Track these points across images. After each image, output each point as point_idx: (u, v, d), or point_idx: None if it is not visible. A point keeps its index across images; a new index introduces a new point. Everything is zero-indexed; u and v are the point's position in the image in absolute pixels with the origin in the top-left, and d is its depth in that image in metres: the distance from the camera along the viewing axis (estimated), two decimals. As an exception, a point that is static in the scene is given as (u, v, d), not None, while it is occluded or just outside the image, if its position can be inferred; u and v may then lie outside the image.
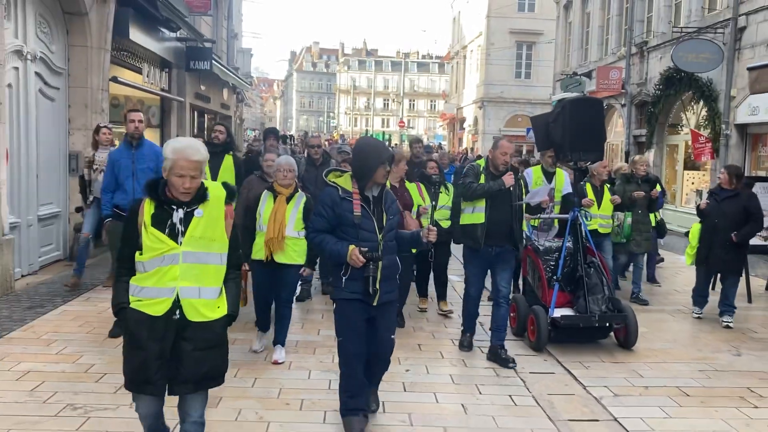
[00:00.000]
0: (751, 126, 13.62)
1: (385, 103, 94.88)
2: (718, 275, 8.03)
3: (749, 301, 8.43)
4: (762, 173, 13.35)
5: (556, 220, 7.34)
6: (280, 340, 5.67)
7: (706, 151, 14.36)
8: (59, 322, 6.39)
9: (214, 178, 7.52)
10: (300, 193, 5.69)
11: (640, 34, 18.63)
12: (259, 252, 5.57)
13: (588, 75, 21.72)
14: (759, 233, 8.67)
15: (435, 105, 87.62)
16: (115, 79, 11.17)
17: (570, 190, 7.56)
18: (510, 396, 4.93)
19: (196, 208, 3.19)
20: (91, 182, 7.65)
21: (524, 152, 31.52)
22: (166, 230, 3.14)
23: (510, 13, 37.65)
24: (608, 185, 8.42)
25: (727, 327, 7.11)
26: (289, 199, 5.58)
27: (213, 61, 16.60)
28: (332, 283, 4.27)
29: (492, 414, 4.57)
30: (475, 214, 5.83)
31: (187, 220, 3.17)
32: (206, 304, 3.20)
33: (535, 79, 37.26)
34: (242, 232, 5.46)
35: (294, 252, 5.55)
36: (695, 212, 8.05)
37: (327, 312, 6.85)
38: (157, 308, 3.14)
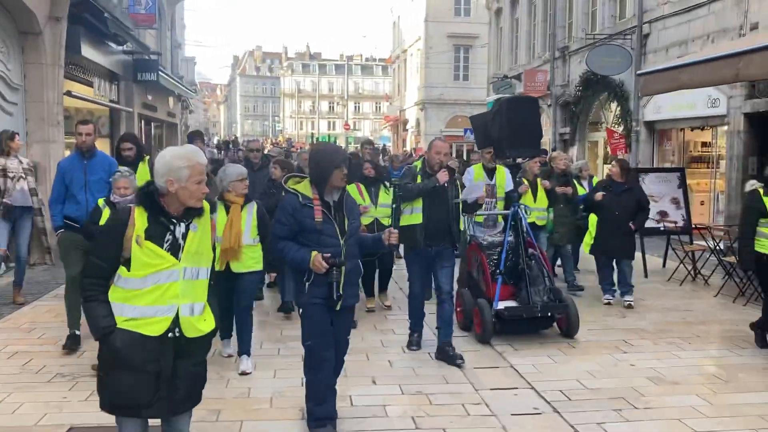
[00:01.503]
0: (657, 123, 15.10)
1: (330, 106, 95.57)
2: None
3: (645, 276, 9.69)
4: (667, 164, 14.84)
5: (500, 216, 7.44)
6: (244, 350, 5.64)
7: (620, 146, 15.78)
8: (34, 314, 7.15)
9: None
10: (252, 202, 5.75)
11: (562, 39, 20.07)
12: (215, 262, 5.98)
13: (518, 78, 23.08)
14: (652, 217, 10.02)
15: (380, 107, 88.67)
16: (69, 93, 11.85)
17: (512, 186, 7.70)
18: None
19: (191, 222, 3.11)
20: (7, 190, 7.41)
21: (464, 152, 32.95)
22: (165, 245, 3.00)
23: (447, 17, 39.08)
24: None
25: (629, 306, 7.78)
26: (242, 208, 5.63)
27: (159, 72, 17.29)
28: (295, 289, 4.25)
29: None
30: (413, 215, 5.88)
31: (185, 234, 3.07)
32: (198, 320, 3.12)
33: (472, 81, 38.66)
34: None
35: (251, 260, 5.62)
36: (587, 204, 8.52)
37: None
38: (155, 328, 2.98)
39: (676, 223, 10.05)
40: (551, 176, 8.86)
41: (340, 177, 4.10)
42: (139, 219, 2.99)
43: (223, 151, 24.73)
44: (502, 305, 6.47)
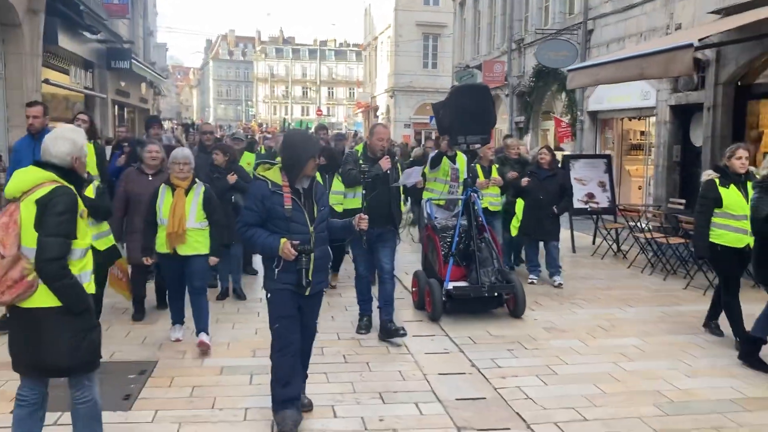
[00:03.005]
0: (600, 113, 16.28)
1: (304, 91, 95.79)
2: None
3: (573, 251, 10.85)
4: (608, 152, 16.04)
5: (460, 201, 7.50)
6: (202, 328, 5.74)
7: (566, 135, 16.97)
8: None
9: None
10: (198, 184, 5.80)
11: (519, 32, 21.15)
12: (163, 245, 5.72)
13: (479, 68, 24.14)
14: (581, 199, 11.19)
15: (354, 93, 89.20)
16: (47, 81, 12.63)
17: (471, 173, 7.72)
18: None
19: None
20: None
21: (432, 137, 33.94)
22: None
23: (416, 6, 39.95)
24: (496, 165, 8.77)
25: (560, 286, 8.26)
26: (187, 192, 5.69)
27: (132, 60, 18.04)
28: (264, 275, 4.29)
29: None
30: (356, 199, 6.08)
31: None
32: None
33: (441, 69, 39.62)
34: (144, 226, 5.86)
35: (198, 242, 5.70)
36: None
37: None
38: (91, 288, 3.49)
39: (599, 203, 11.19)
40: (506, 163, 9.09)
41: (313, 166, 4.14)
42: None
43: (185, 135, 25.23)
44: (452, 285, 6.73)
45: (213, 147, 7.89)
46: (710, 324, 6.42)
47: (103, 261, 5.57)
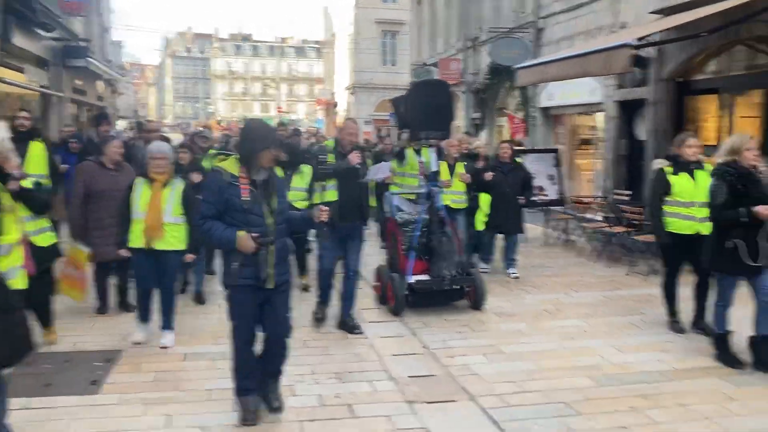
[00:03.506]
0: (551, 109, 16.81)
1: (263, 89, 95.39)
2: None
3: (525, 241, 11.29)
4: (560, 146, 16.59)
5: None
6: (167, 325, 5.78)
7: (520, 130, 17.47)
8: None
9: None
10: (176, 179, 5.77)
11: (474, 29, 21.61)
12: (137, 239, 5.64)
13: (436, 65, 24.56)
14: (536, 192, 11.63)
15: (314, 90, 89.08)
16: (2, 80, 12.57)
17: (437, 168, 7.88)
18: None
19: None
20: None
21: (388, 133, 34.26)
22: None
23: (375, 3, 40.24)
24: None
25: (516, 278, 8.54)
26: (165, 186, 5.66)
27: (88, 58, 17.95)
28: (223, 269, 4.20)
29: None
30: (327, 192, 6.06)
31: None
32: None
33: (400, 66, 39.89)
34: (119, 219, 5.77)
35: (173, 238, 5.65)
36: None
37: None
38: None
39: (547, 195, 11.67)
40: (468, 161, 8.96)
41: (269, 158, 4.08)
42: None
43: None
44: (414, 279, 6.83)
45: (179, 145, 7.97)
46: (699, 324, 6.18)
47: (46, 257, 5.36)
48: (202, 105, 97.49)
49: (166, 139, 8.51)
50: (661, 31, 10.62)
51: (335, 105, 47.23)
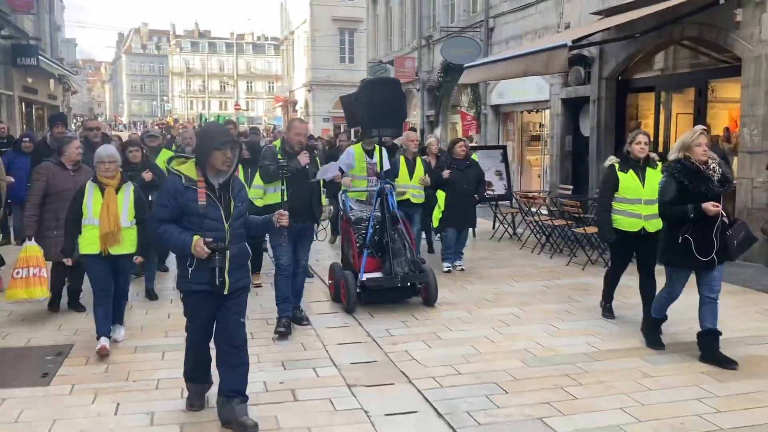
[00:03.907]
0: (501, 106, 17.28)
1: (221, 86, 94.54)
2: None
3: (473, 236, 11.66)
4: (510, 143, 17.07)
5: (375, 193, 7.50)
6: (119, 319, 5.86)
7: (472, 127, 17.90)
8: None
9: None
10: (127, 183, 5.76)
11: (428, 28, 21.98)
12: (92, 246, 5.55)
13: (392, 63, 24.88)
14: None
15: (273, 87, 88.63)
16: (-52, 80, 12.46)
17: (389, 166, 7.95)
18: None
19: None
20: None
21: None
22: None
23: (332, 1, 40.36)
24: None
25: (462, 270, 8.78)
26: (117, 190, 5.63)
27: (38, 57, 17.76)
28: (178, 274, 4.17)
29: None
30: (276, 193, 5.96)
31: None
32: None
33: (358, 63, 40.11)
34: (67, 225, 5.68)
35: (128, 241, 5.65)
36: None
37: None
38: None
39: (495, 191, 12.06)
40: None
41: (221, 160, 3.98)
42: None
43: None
44: (366, 277, 6.87)
45: (125, 143, 7.99)
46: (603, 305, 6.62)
47: None
48: (159, 103, 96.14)
49: (107, 137, 8.55)
50: (600, 31, 11.08)
51: (294, 103, 47.19)
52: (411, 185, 8.52)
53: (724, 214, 5.16)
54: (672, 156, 5.35)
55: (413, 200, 8.54)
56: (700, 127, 5.41)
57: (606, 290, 6.62)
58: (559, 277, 8.51)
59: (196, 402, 4.44)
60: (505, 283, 8.19)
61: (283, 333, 6.00)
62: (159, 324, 6.42)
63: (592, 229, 9.35)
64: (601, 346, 5.77)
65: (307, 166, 6.09)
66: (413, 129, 18.05)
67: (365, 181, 8.15)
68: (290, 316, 6.25)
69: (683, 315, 6.00)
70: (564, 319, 6.64)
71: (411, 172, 8.61)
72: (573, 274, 8.66)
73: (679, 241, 5.18)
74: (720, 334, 5.32)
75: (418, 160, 8.77)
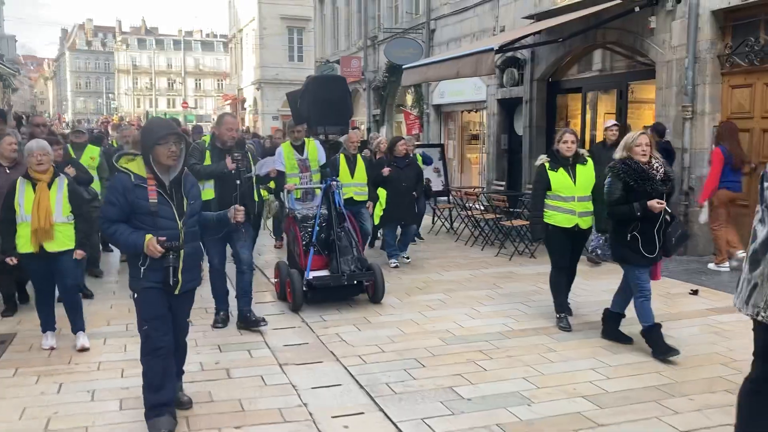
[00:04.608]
0: (443, 106, 17.87)
1: (169, 83, 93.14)
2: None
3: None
4: (452, 141, 17.69)
5: (317, 189, 7.74)
6: (79, 326, 5.65)
7: (415, 126, 18.42)
8: None
9: None
10: (60, 177, 5.63)
11: (373, 29, 22.43)
12: (26, 245, 5.46)
13: (339, 62, 25.25)
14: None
15: (222, 85, 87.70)
16: None
17: (324, 160, 8.06)
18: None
19: None
20: None
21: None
22: None
23: (279, -1, 40.51)
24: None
25: (407, 260, 9.24)
26: (50, 185, 5.49)
27: (-22, 53, 17.54)
28: (130, 274, 4.04)
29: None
30: (206, 191, 5.84)
31: None
32: None
33: (307, 62, 40.19)
34: (1, 225, 5.51)
35: (65, 237, 5.52)
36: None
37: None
38: None
39: (433, 187, 12.57)
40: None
41: (166, 154, 3.87)
42: None
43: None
44: (313, 275, 6.88)
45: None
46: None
47: None
48: (105, 100, 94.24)
49: (54, 134, 8.52)
50: (529, 35, 11.69)
51: (243, 100, 47.10)
52: (353, 183, 8.62)
53: (668, 212, 5.33)
54: (616, 155, 5.53)
55: (356, 198, 8.64)
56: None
57: (556, 300, 6.29)
58: (487, 267, 9.06)
59: None
60: (436, 273, 8.70)
61: (219, 327, 6.25)
62: (102, 313, 6.66)
63: (518, 222, 9.95)
64: (515, 326, 6.30)
65: (232, 172, 5.79)
66: (357, 128, 18.53)
67: (297, 178, 8.15)
68: (227, 309, 6.39)
69: (591, 298, 6.58)
70: (485, 303, 7.16)
71: (352, 171, 8.70)
72: (499, 264, 9.22)
73: (628, 238, 5.35)
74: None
75: (359, 157, 8.87)
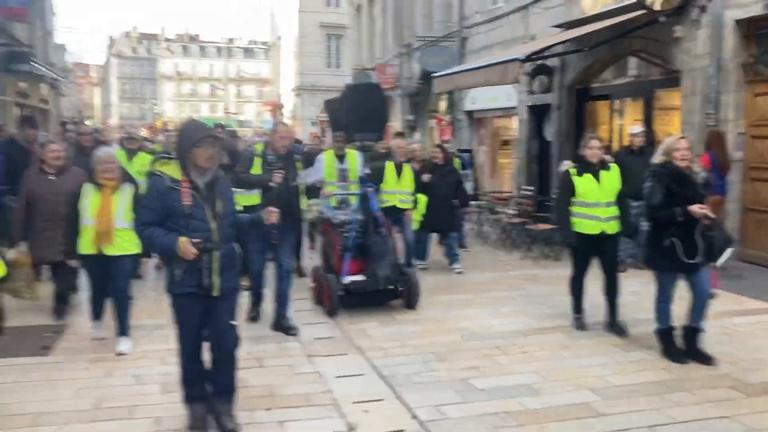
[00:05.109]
0: (475, 112, 18.14)
1: (212, 90, 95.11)
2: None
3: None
4: (484, 147, 17.96)
5: (352, 197, 7.86)
6: (123, 331, 5.78)
7: (447, 132, 18.73)
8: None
9: None
10: (126, 184, 5.79)
11: (408, 37, 22.83)
12: (87, 246, 5.66)
13: (374, 69, 25.72)
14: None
15: (263, 91, 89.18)
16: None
17: (365, 171, 8.10)
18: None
19: None
20: None
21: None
22: None
23: (319, 7, 41.16)
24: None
25: (460, 273, 9.05)
26: (115, 191, 5.67)
27: (31, 62, 18.48)
28: (166, 277, 4.09)
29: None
30: (252, 196, 6.18)
31: None
32: None
33: (344, 68, 40.83)
34: (66, 226, 5.75)
35: (125, 242, 5.63)
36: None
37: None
38: None
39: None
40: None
41: (203, 157, 3.91)
42: None
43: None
44: (349, 280, 6.96)
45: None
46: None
47: None
48: (149, 106, 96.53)
49: (103, 142, 8.90)
50: (558, 44, 11.94)
51: (281, 107, 47.97)
52: (398, 190, 8.66)
53: (709, 217, 5.22)
54: (656, 160, 5.48)
55: (400, 205, 8.64)
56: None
57: (574, 300, 6.49)
58: (512, 269, 9.34)
59: (196, 423, 4.18)
60: (462, 275, 9.01)
61: (254, 318, 6.59)
62: (144, 307, 7.13)
63: (543, 226, 10.20)
64: (533, 325, 6.60)
65: (278, 185, 6.03)
66: (400, 134, 18.99)
67: (335, 187, 8.20)
68: (260, 305, 6.67)
69: (597, 300, 6.79)
70: (507, 303, 7.46)
71: (399, 178, 8.69)
72: (525, 267, 9.50)
73: (666, 244, 5.28)
74: (702, 331, 5.52)
75: (406, 166, 8.85)
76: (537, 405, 4.63)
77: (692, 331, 5.50)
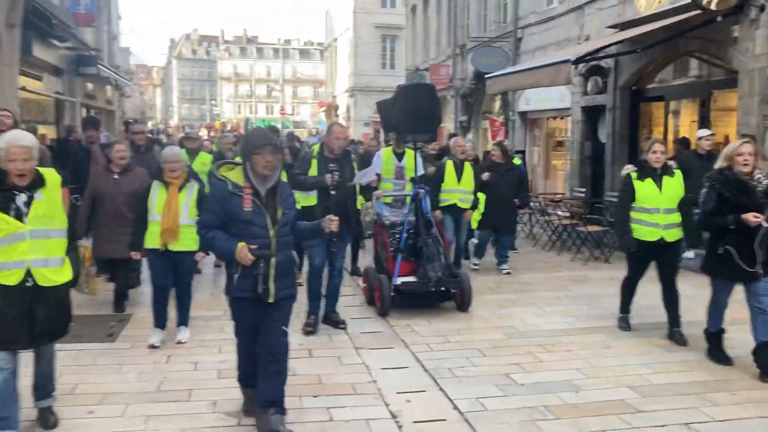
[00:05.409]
0: (528, 113, 18.12)
1: (268, 91, 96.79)
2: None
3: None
4: (537, 148, 17.92)
5: (407, 198, 7.76)
6: (183, 321, 6.12)
7: (500, 133, 18.73)
8: None
9: None
10: (192, 182, 5.94)
11: (462, 38, 22.91)
12: (153, 241, 5.84)
13: (428, 70, 25.88)
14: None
15: (318, 92, 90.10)
16: (23, 89, 13.94)
17: (422, 170, 7.96)
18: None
19: (36, 191, 3.81)
20: None
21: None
22: (11, 213, 3.74)
23: (374, 8, 41.47)
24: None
25: (508, 274, 9.09)
26: (180, 188, 5.84)
27: (98, 66, 19.37)
28: (226, 280, 4.21)
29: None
30: (310, 197, 6.34)
31: (28, 202, 3.78)
32: (53, 271, 3.90)
33: (399, 69, 41.04)
34: (134, 222, 6.01)
35: (189, 239, 5.76)
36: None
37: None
38: (11, 278, 3.77)
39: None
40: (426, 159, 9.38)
41: (262, 164, 3.98)
42: None
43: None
44: (400, 281, 7.00)
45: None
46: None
47: None
48: (208, 107, 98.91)
49: (156, 141, 9.26)
50: (612, 45, 11.87)
51: (336, 108, 48.53)
52: (459, 189, 8.57)
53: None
54: (717, 165, 5.34)
55: (460, 205, 8.58)
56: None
57: (623, 300, 6.49)
58: (560, 270, 9.39)
59: (251, 408, 4.37)
60: (511, 275, 9.10)
61: (310, 332, 6.31)
62: (202, 300, 7.47)
63: (594, 228, 10.20)
64: (578, 324, 6.68)
65: (332, 188, 6.06)
66: (454, 134, 19.06)
67: (391, 184, 8.30)
68: (317, 315, 6.50)
69: (656, 301, 6.82)
70: (552, 303, 7.55)
71: (459, 177, 8.57)
72: (573, 268, 9.54)
73: (720, 252, 5.19)
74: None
75: (467, 164, 8.73)
76: (576, 400, 4.74)
77: (764, 347, 5.15)
